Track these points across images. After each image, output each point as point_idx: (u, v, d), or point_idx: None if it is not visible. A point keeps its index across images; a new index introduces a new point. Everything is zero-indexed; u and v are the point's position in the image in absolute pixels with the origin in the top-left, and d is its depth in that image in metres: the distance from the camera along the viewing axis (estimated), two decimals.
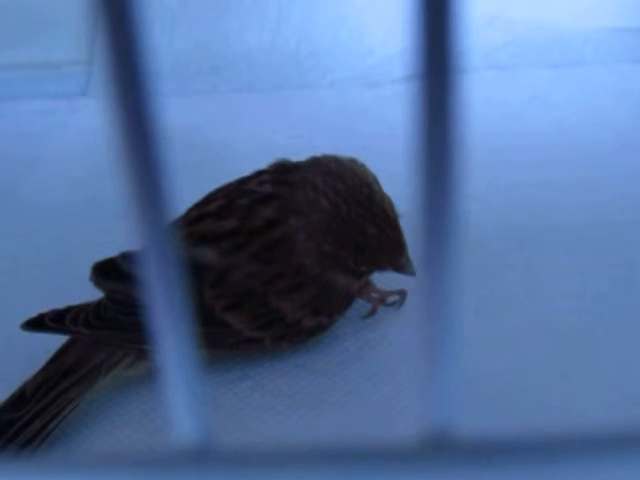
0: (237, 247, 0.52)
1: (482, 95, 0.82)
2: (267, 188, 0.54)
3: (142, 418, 0.53)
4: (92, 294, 0.53)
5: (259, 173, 0.56)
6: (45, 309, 0.53)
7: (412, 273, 0.54)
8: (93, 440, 0.52)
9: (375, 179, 0.55)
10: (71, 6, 0.88)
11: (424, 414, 0.18)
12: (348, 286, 0.55)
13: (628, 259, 0.63)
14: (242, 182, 0.56)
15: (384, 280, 0.60)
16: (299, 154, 0.56)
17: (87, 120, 0.86)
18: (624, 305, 0.59)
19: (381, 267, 0.55)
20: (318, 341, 0.57)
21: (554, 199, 0.71)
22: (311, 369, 0.56)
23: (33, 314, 0.52)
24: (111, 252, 0.53)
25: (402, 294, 0.60)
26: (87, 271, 0.53)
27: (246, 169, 0.57)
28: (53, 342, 0.53)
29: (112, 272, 0.53)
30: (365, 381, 0.55)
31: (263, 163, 0.57)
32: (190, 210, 0.55)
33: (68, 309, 0.53)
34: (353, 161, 0.55)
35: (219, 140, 0.82)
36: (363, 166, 0.55)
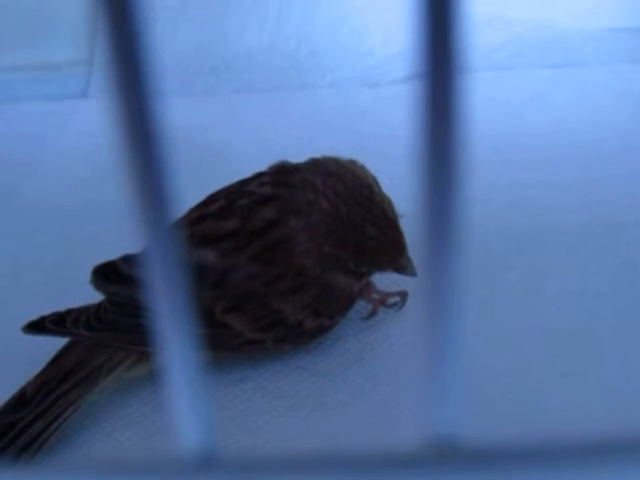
0: (237, 248, 0.52)
1: (482, 95, 0.82)
2: (267, 189, 0.54)
3: (143, 420, 0.53)
4: (93, 296, 0.53)
5: (259, 175, 0.56)
6: (46, 311, 0.53)
7: (413, 274, 0.54)
8: (94, 442, 0.52)
9: (375, 180, 0.55)
10: (71, 8, 0.88)
11: (427, 420, 0.18)
12: (349, 287, 0.55)
13: (629, 259, 0.63)
14: (243, 183, 0.56)
15: (385, 281, 0.60)
16: (299, 154, 0.56)
17: (87, 121, 0.86)
18: (625, 305, 0.59)
19: (381, 268, 0.55)
20: (319, 342, 0.57)
21: (554, 199, 0.70)
22: (312, 370, 0.56)
23: (34, 317, 0.52)
24: (112, 253, 0.53)
25: (403, 295, 0.60)
26: (88, 273, 0.53)
27: (246, 169, 0.57)
28: (53, 344, 0.53)
29: (112, 275, 0.53)
30: (366, 382, 0.55)
31: (263, 163, 0.57)
32: (191, 211, 0.55)
33: (69, 311, 0.53)
34: (353, 162, 0.55)
35: (219, 140, 0.82)
36: (363, 167, 0.55)
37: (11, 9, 0.89)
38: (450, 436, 0.18)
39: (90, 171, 0.77)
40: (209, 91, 0.91)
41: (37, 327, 0.52)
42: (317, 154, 0.56)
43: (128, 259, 0.53)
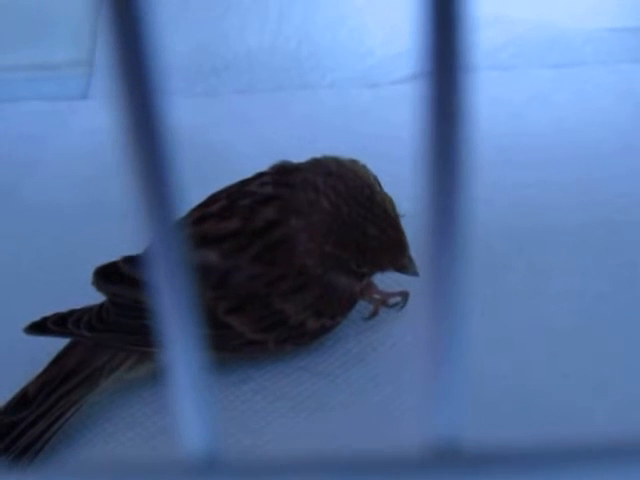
0: (239, 248, 0.52)
1: (483, 95, 0.82)
2: (268, 189, 0.54)
3: (144, 420, 0.53)
4: (94, 297, 0.53)
5: (260, 175, 0.56)
6: (47, 312, 0.53)
7: (414, 273, 0.54)
8: (95, 442, 0.52)
9: (376, 180, 0.55)
10: (72, 8, 0.88)
11: (429, 421, 0.18)
12: (350, 287, 0.55)
13: (629, 259, 0.63)
14: (244, 183, 0.56)
15: (386, 281, 0.60)
16: (300, 154, 0.56)
17: (88, 121, 0.86)
18: (625, 305, 0.59)
19: (383, 268, 0.55)
20: (321, 343, 0.57)
21: (555, 199, 0.70)
22: (313, 371, 0.56)
23: (35, 317, 0.52)
24: (113, 253, 0.53)
25: (404, 295, 0.60)
26: (89, 274, 0.53)
27: (247, 169, 0.57)
28: (55, 344, 0.53)
29: (114, 276, 0.53)
30: (368, 383, 0.55)
31: (264, 163, 0.57)
32: (192, 211, 0.55)
33: (70, 312, 0.53)
34: (354, 162, 0.55)
35: (220, 140, 0.82)
36: (364, 167, 0.55)
37: (12, 9, 0.89)
38: (452, 438, 0.18)
39: (90, 171, 0.77)
40: (210, 91, 0.90)
41: (39, 328, 0.52)
42: (318, 154, 0.56)
43: (130, 260, 0.53)
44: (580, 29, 0.90)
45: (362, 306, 0.60)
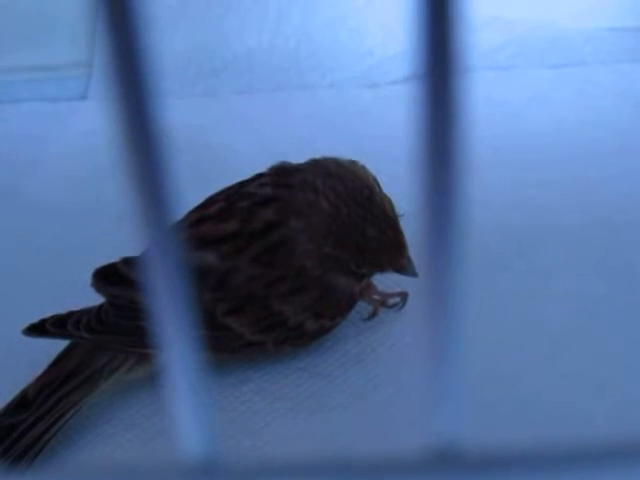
0: (238, 250, 0.52)
1: (481, 95, 0.82)
2: (267, 191, 0.54)
3: (143, 422, 0.53)
4: (93, 299, 0.53)
5: (259, 176, 0.56)
6: (46, 314, 0.52)
7: (413, 274, 0.54)
8: (95, 444, 0.52)
9: (375, 180, 0.55)
10: (71, 9, 0.88)
11: (428, 422, 0.18)
12: (350, 288, 0.55)
13: (629, 259, 0.63)
14: (242, 185, 0.56)
15: (385, 282, 0.60)
16: (299, 155, 0.56)
17: (87, 122, 0.86)
18: (625, 305, 0.59)
19: (382, 268, 0.55)
20: (320, 344, 0.57)
21: (554, 199, 0.70)
22: (313, 372, 0.56)
23: (34, 319, 0.52)
24: (112, 255, 0.53)
25: (403, 296, 0.60)
26: (88, 275, 0.53)
27: (246, 170, 0.57)
28: (54, 346, 0.53)
29: (113, 277, 0.53)
30: (367, 383, 0.55)
31: (263, 164, 0.57)
32: (190, 213, 0.55)
33: (70, 314, 0.53)
34: (353, 163, 0.55)
35: (218, 141, 0.82)
36: (363, 168, 0.55)
37: (11, 10, 0.89)
38: (452, 439, 0.18)
39: (90, 172, 0.77)
40: (209, 92, 0.90)
41: (38, 329, 0.52)
42: (317, 154, 0.56)
43: (129, 261, 0.53)
44: (579, 29, 0.90)
45: (361, 307, 0.60)
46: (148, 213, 0.16)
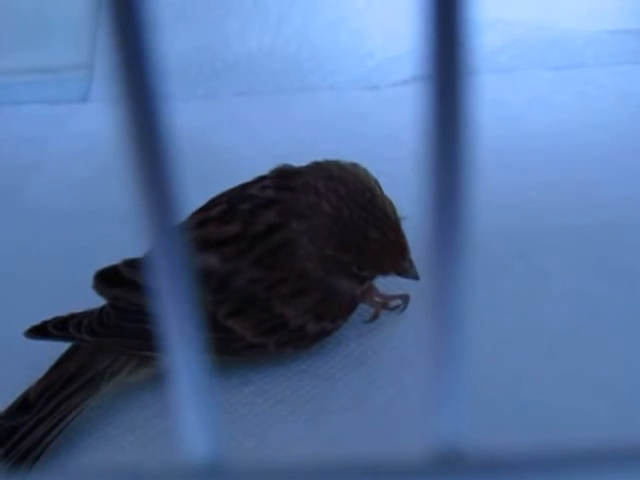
0: (239, 252, 0.52)
1: (482, 97, 0.82)
2: (269, 193, 0.54)
3: (145, 424, 0.53)
4: (95, 301, 0.53)
5: (261, 178, 0.56)
6: (48, 316, 0.52)
7: (415, 276, 0.54)
8: (96, 446, 0.52)
9: (377, 182, 0.55)
10: (72, 11, 0.88)
11: (430, 424, 0.18)
12: (351, 291, 0.55)
13: (629, 261, 0.63)
14: (244, 187, 0.56)
15: (387, 284, 0.60)
16: (300, 157, 0.56)
17: (88, 124, 0.86)
18: (625, 307, 0.59)
19: (384, 271, 0.55)
20: (321, 346, 0.57)
21: (555, 201, 0.70)
22: (314, 374, 0.56)
23: (36, 321, 0.52)
24: (114, 257, 0.53)
25: (405, 298, 0.60)
26: (90, 277, 0.53)
27: (247, 172, 0.57)
28: (56, 348, 0.53)
29: (115, 279, 0.53)
30: (368, 385, 0.55)
31: (264, 166, 0.57)
32: (193, 215, 0.55)
33: (71, 316, 0.53)
34: (355, 165, 0.55)
35: (220, 143, 0.82)
36: (365, 170, 0.55)
37: (12, 12, 0.89)
38: (453, 441, 0.18)
39: (91, 174, 0.77)
40: (210, 94, 0.91)
41: (39, 331, 0.52)
42: (318, 157, 0.56)
43: (130, 263, 0.53)
44: (580, 31, 0.90)
45: (363, 309, 0.60)
46: (152, 214, 0.16)
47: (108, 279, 0.53)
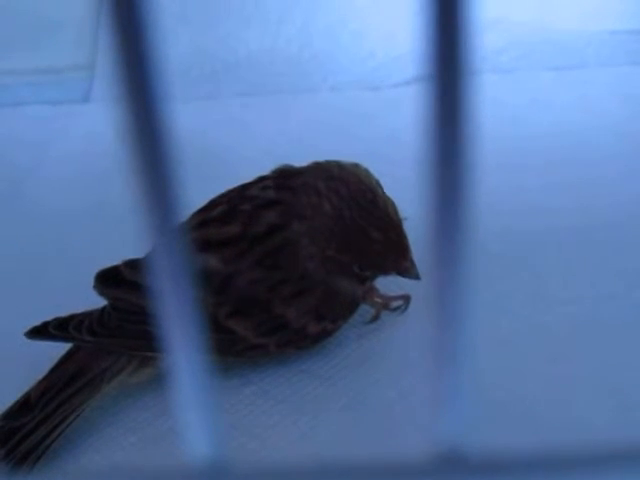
0: (240, 253, 0.52)
1: (483, 98, 0.82)
2: (270, 193, 0.54)
3: (146, 425, 0.53)
4: (96, 302, 0.53)
5: (261, 179, 0.56)
6: (49, 317, 0.52)
7: (416, 277, 0.54)
8: (97, 447, 0.52)
9: (378, 183, 0.55)
10: (74, 12, 0.88)
11: (432, 425, 0.18)
12: (352, 291, 0.55)
13: (630, 263, 0.63)
14: (245, 188, 0.56)
15: (388, 285, 0.60)
16: (301, 157, 0.56)
17: (89, 125, 0.86)
18: (626, 309, 0.59)
19: (385, 271, 0.55)
20: (322, 346, 0.57)
21: (556, 202, 0.70)
22: (315, 374, 0.56)
23: (36, 322, 0.52)
24: (115, 258, 0.53)
25: (406, 299, 0.60)
26: (90, 278, 0.53)
27: (248, 173, 0.57)
28: (57, 349, 0.53)
29: (115, 280, 0.53)
30: (369, 386, 0.55)
31: (265, 167, 0.57)
32: (193, 216, 0.55)
33: (72, 317, 0.53)
34: (356, 166, 0.55)
35: (220, 144, 0.82)
36: (366, 170, 0.55)
37: (14, 13, 0.89)
38: (454, 442, 0.18)
39: (92, 175, 0.77)
40: (211, 95, 0.91)
41: (40, 332, 0.52)
42: (319, 157, 0.56)
43: (131, 264, 0.53)
44: (581, 31, 0.90)
45: (364, 310, 0.60)
46: (153, 215, 0.16)
47: (109, 280, 0.53)
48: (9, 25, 0.89)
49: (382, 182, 0.55)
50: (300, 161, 0.56)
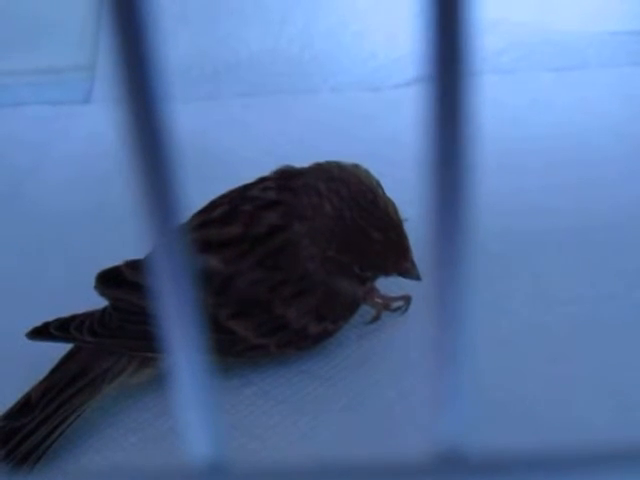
0: (241, 254, 0.52)
1: (483, 99, 0.82)
2: (271, 194, 0.54)
3: (146, 426, 0.53)
4: (97, 302, 0.53)
5: (262, 179, 0.56)
6: (49, 317, 0.53)
7: (417, 277, 0.54)
8: (98, 448, 0.52)
9: (379, 184, 0.55)
10: (74, 12, 0.88)
11: (432, 425, 0.18)
12: (353, 292, 0.55)
13: (631, 263, 0.63)
14: (246, 188, 0.56)
15: (388, 285, 0.60)
16: (302, 158, 0.56)
17: (90, 126, 0.86)
18: (627, 309, 0.59)
19: (386, 272, 0.55)
20: (323, 347, 0.57)
21: (556, 203, 0.70)
22: (315, 375, 0.56)
23: (37, 322, 0.52)
24: (116, 258, 0.53)
25: (406, 300, 0.60)
26: (91, 279, 0.53)
27: (249, 173, 0.57)
28: (58, 350, 0.53)
29: (117, 280, 0.53)
30: (369, 387, 0.55)
31: (266, 168, 0.57)
32: (194, 216, 0.55)
33: (73, 317, 0.53)
34: (356, 166, 0.55)
35: (221, 145, 0.82)
36: (367, 171, 0.55)
37: (14, 13, 0.89)
38: (456, 442, 0.18)
39: (93, 176, 0.77)
40: (211, 95, 0.90)
41: (41, 333, 0.52)
42: (320, 158, 0.56)
43: (132, 264, 0.53)
44: (582, 32, 0.90)
45: (364, 310, 0.60)
46: (154, 216, 0.16)
47: (110, 280, 0.53)
48: (9, 25, 0.89)
49: (382, 183, 0.55)
50: (301, 162, 0.56)
